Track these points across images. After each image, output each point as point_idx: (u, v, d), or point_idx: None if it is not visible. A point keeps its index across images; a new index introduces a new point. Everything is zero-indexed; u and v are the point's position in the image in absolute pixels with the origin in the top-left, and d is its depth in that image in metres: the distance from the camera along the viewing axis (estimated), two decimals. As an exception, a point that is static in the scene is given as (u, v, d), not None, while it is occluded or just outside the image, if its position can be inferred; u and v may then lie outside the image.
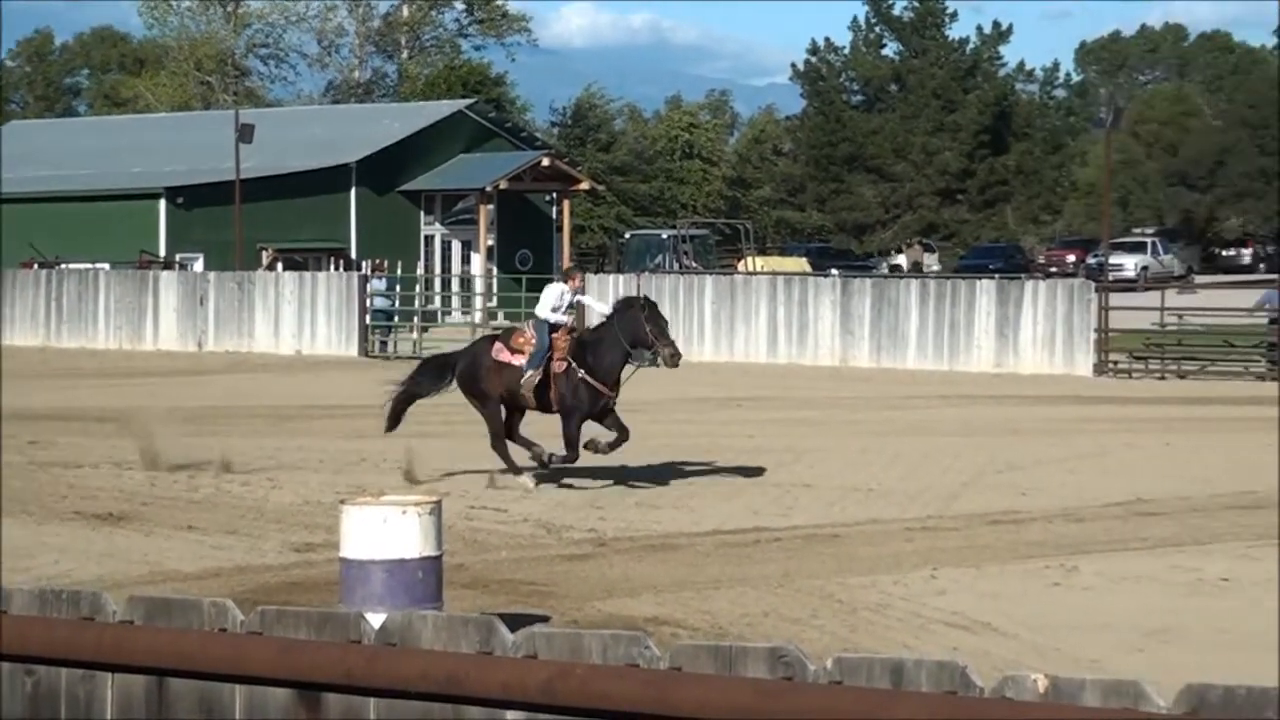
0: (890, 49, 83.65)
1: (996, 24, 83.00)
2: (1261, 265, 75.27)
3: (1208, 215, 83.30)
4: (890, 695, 3.96)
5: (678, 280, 42.27)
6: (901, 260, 74.73)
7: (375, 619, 4.51)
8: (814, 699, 4.00)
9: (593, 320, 21.62)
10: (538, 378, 19.32)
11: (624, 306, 20.33)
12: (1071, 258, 71.28)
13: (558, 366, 19.39)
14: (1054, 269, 67.38)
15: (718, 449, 22.52)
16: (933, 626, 12.62)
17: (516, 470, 19.41)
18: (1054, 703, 3.86)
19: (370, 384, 23.29)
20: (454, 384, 20.05)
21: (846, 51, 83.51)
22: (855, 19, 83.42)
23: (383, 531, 10.15)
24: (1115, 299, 36.71)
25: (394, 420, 20.15)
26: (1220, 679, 3.71)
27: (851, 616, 12.98)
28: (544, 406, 19.56)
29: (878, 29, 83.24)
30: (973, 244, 76.65)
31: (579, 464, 19.52)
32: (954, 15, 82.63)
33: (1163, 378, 34.63)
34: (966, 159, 79.17)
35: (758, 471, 20.56)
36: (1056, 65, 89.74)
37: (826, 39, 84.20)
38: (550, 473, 19.52)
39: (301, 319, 43.26)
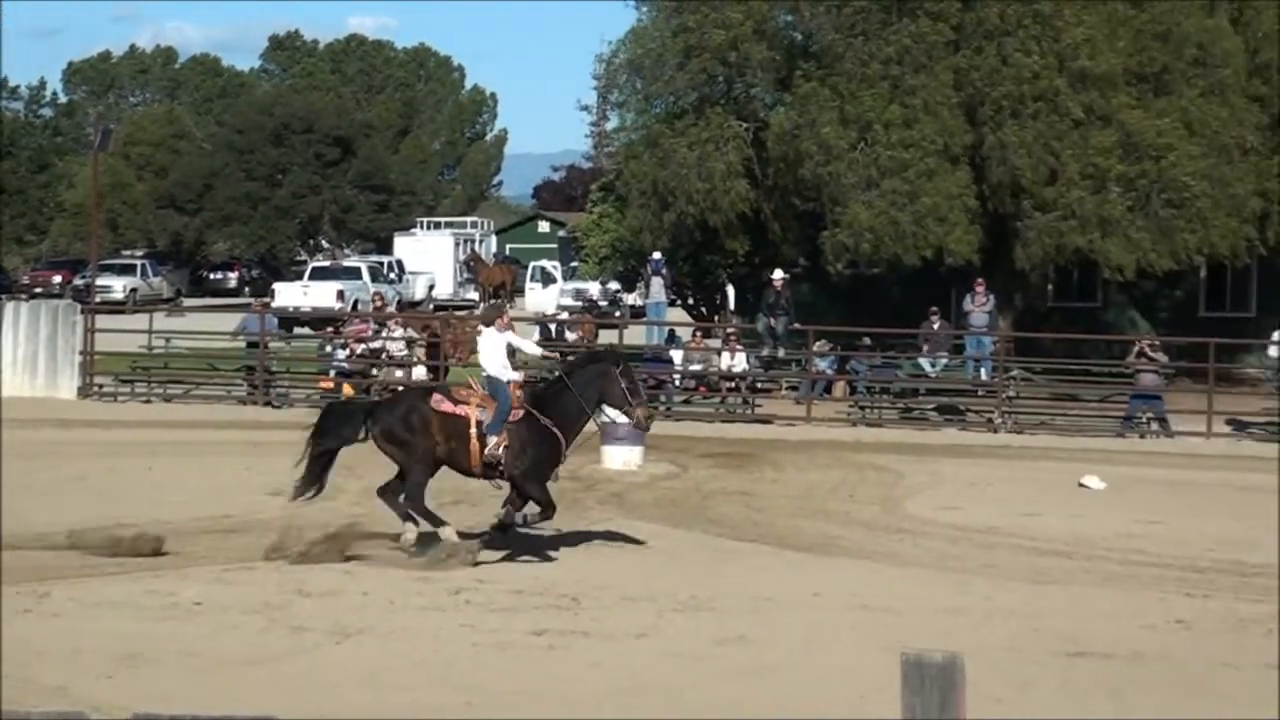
0: None
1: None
2: (247, 289, 76.93)
3: (197, 238, 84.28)
4: None
5: None
6: None
7: None
8: None
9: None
10: (505, 441, 17.41)
11: (591, 359, 18.74)
12: (58, 279, 70.11)
13: (514, 415, 17.55)
14: (39, 290, 66.02)
15: None
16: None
17: (438, 522, 17.31)
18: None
19: None
20: (365, 436, 17.75)
21: None
22: None
23: None
24: (103, 321, 36.32)
25: (311, 483, 17.69)
26: (183, 700, 3.68)
27: None
28: (487, 473, 17.70)
29: None
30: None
31: None
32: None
33: (149, 401, 34.56)
34: (-55, 175, 76.30)
35: None
36: (43, 83, 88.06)
37: None
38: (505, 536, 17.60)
39: None
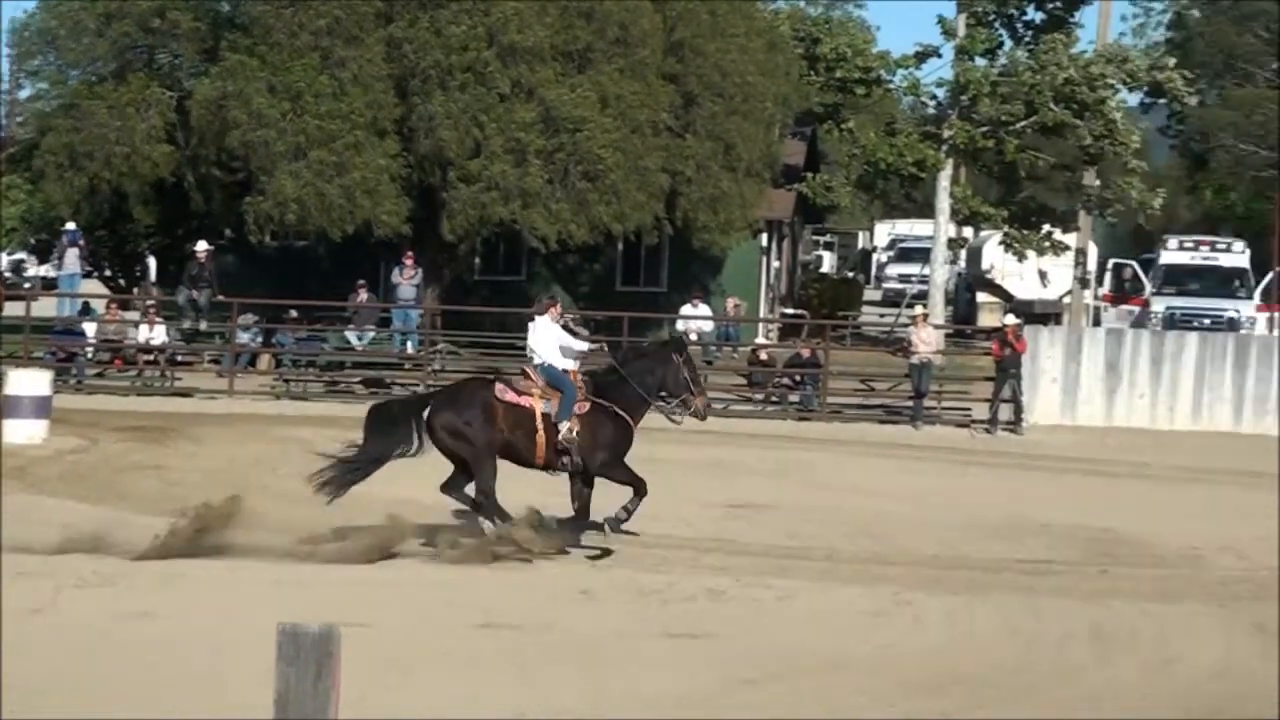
0: None
1: None
2: None
3: None
4: None
5: None
6: None
7: None
8: None
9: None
10: (577, 426, 17.13)
11: (654, 348, 19.07)
12: None
13: (580, 408, 17.28)
14: None
15: None
16: None
17: (506, 517, 17.00)
18: None
19: None
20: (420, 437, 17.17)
21: None
22: None
23: None
24: None
25: (344, 486, 17.25)
26: None
27: None
28: (549, 462, 17.33)
29: None
30: None
31: None
32: None
33: None
34: None
35: None
36: None
37: None
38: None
39: None
